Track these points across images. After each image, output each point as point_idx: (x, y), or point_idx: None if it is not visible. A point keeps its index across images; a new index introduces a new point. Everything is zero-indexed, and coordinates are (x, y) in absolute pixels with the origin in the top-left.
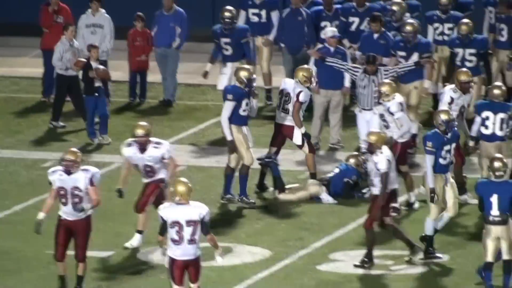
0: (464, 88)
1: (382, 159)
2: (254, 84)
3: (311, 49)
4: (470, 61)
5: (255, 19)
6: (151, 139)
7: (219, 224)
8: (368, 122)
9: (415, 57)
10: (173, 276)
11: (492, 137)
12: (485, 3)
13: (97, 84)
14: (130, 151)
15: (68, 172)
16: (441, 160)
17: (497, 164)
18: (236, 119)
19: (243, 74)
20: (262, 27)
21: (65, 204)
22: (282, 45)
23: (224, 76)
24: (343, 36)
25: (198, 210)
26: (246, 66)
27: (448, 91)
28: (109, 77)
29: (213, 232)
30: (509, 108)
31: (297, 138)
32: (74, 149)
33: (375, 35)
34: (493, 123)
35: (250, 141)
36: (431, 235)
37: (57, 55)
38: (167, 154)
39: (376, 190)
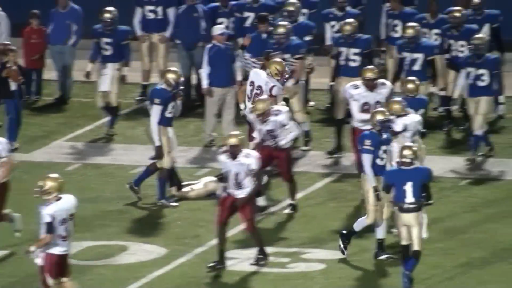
0: (368, 86)
1: (251, 159)
2: (181, 87)
3: (205, 45)
4: (354, 60)
5: (151, 16)
6: None
7: (114, 222)
8: None
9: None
10: (57, 272)
11: None
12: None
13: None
14: None
15: None
16: (378, 161)
17: (406, 151)
18: (161, 120)
19: (171, 77)
20: (158, 24)
21: None
22: (178, 41)
23: (105, 77)
24: (240, 32)
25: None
26: (174, 69)
27: (348, 88)
28: (16, 78)
29: (109, 231)
30: (424, 103)
31: None
32: None
33: (264, 35)
34: None
35: (174, 143)
36: (381, 238)
37: None
38: (3, 152)
39: (245, 191)
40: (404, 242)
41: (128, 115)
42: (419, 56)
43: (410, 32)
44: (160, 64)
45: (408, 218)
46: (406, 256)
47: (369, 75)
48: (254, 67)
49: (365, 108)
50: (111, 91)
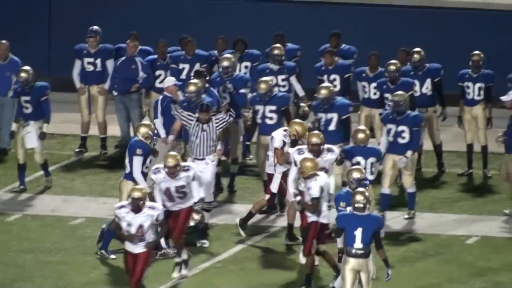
0: (314, 151)
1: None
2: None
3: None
4: (270, 118)
5: (90, 68)
6: None
7: (54, 273)
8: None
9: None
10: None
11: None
12: (320, 52)
13: None
14: None
15: None
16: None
17: (358, 197)
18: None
19: (145, 130)
20: (97, 76)
21: None
22: (115, 93)
23: (30, 135)
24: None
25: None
26: (147, 122)
27: (293, 153)
28: None
29: (49, 282)
30: (377, 153)
31: (273, 185)
32: None
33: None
34: (364, 167)
35: None
36: None
37: None
38: None
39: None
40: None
41: (67, 167)
42: (334, 116)
43: (323, 93)
44: (99, 116)
45: (356, 262)
46: None
47: (314, 140)
48: (189, 119)
49: None
50: (35, 149)
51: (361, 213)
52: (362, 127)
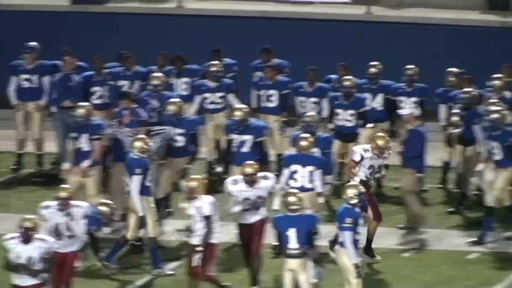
0: (248, 181)
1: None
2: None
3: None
4: (179, 141)
5: (26, 84)
6: None
7: None
8: None
9: None
10: None
11: (301, 190)
12: (253, 68)
13: None
14: None
15: None
16: (356, 236)
17: (291, 198)
18: (142, 190)
19: (140, 145)
20: (33, 92)
21: None
22: (53, 109)
23: None
24: (115, 99)
25: None
26: (141, 136)
27: (228, 183)
28: None
29: None
30: (317, 161)
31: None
32: None
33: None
34: (301, 176)
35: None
36: None
37: None
38: None
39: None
40: None
41: (3, 184)
42: (248, 138)
43: (238, 114)
44: (35, 133)
45: (293, 263)
46: None
47: (248, 170)
48: (130, 136)
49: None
50: None
51: (294, 213)
52: (306, 134)
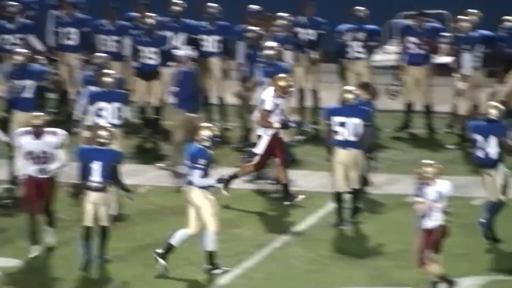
0: (35, 133)
1: None
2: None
3: None
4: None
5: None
6: None
7: None
8: None
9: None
10: None
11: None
12: (49, 6)
13: None
14: None
15: None
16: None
17: (101, 132)
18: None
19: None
20: None
21: None
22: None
23: None
24: None
25: None
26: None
27: (16, 134)
28: None
29: None
30: (120, 96)
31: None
32: None
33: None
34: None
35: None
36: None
37: None
38: None
39: None
40: (87, 224)
41: None
42: (30, 82)
43: (18, 58)
44: None
45: (94, 197)
46: (87, 237)
47: (35, 121)
48: None
49: (28, 157)
50: None
51: (102, 147)
52: (110, 71)
